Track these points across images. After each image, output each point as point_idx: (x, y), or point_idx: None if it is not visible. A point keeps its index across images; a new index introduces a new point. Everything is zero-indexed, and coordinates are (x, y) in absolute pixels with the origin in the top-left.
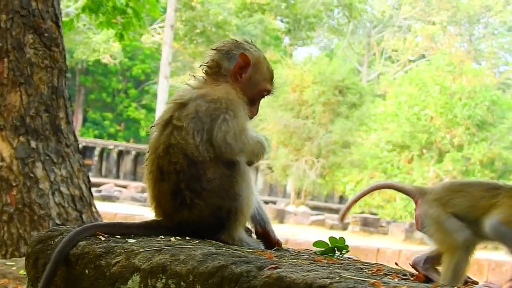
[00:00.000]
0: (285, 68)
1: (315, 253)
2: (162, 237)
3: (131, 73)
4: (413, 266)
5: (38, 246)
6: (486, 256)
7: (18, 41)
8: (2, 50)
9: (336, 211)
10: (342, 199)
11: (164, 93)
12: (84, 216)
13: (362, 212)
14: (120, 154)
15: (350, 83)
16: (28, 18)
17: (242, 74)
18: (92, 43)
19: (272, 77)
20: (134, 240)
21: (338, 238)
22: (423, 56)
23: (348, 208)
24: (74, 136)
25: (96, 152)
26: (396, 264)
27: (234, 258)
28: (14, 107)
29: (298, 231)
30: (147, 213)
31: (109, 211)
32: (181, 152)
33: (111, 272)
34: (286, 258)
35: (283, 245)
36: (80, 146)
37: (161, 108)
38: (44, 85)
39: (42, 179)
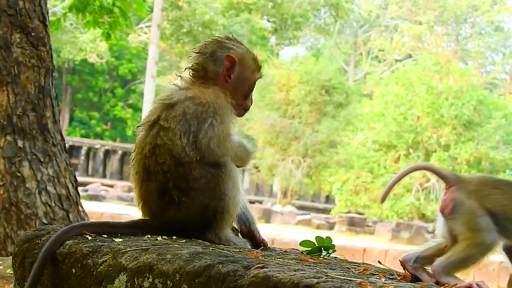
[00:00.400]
0: (271, 67)
1: (301, 252)
2: (149, 236)
3: (117, 73)
4: (402, 264)
5: (25, 245)
6: None
7: (5, 40)
8: None
9: (322, 210)
10: (328, 198)
11: (150, 93)
12: (70, 216)
13: (349, 212)
14: (107, 153)
15: (336, 82)
16: (15, 17)
17: (231, 75)
18: (79, 42)
19: (259, 66)
20: (121, 240)
21: (324, 238)
22: (410, 56)
23: (388, 190)
24: (61, 135)
25: (83, 151)
26: (379, 262)
27: (220, 258)
28: (1, 106)
29: (284, 231)
30: (134, 213)
31: (95, 210)
32: (168, 153)
33: (98, 271)
34: (273, 258)
35: (269, 245)
36: (67, 145)
37: (147, 107)
38: (31, 84)
39: (29, 178)
